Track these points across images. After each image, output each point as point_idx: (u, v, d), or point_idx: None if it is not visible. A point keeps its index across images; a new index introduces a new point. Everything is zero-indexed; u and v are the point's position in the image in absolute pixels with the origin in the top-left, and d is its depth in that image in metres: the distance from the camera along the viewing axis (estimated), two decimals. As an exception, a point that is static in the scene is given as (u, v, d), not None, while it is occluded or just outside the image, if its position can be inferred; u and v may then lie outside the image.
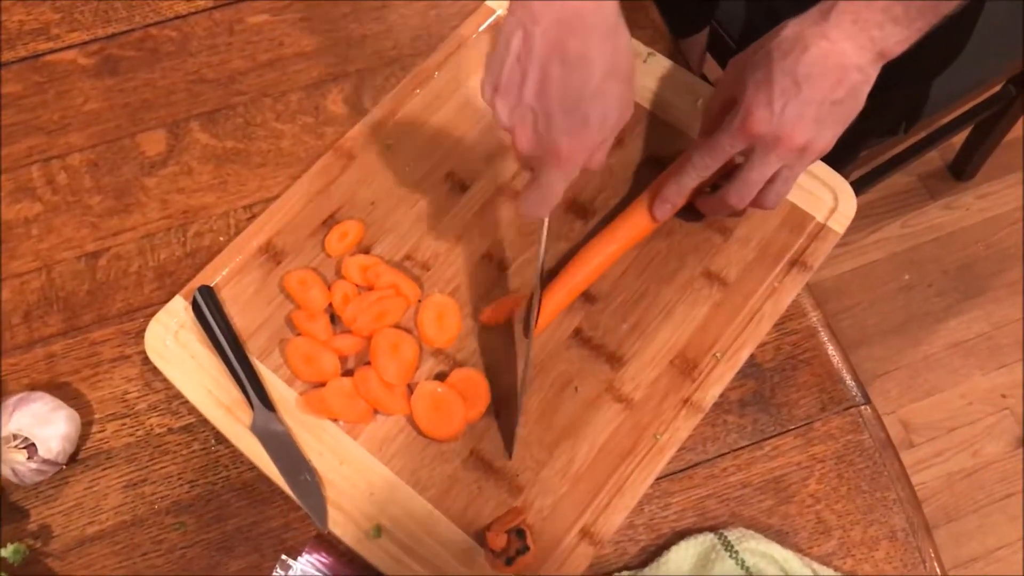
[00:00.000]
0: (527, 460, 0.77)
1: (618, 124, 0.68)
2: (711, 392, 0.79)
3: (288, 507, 0.77)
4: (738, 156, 0.76)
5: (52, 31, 0.99)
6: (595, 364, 0.80)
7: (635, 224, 0.83)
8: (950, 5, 0.71)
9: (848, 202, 0.86)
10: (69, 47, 0.98)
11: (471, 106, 0.91)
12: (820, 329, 0.84)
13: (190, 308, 0.81)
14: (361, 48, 0.98)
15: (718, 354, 0.80)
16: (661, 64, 0.93)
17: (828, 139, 0.74)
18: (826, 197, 0.86)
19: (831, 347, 0.83)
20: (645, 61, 0.93)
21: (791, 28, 0.73)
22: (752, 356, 0.82)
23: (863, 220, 1.85)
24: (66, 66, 0.97)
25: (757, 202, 0.78)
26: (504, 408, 0.79)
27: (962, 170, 1.88)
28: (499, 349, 0.81)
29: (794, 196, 0.86)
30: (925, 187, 1.91)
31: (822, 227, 0.85)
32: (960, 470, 1.68)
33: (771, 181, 0.76)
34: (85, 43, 0.98)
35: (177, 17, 1.00)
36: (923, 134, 1.57)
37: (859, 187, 1.82)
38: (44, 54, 0.98)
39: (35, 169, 0.92)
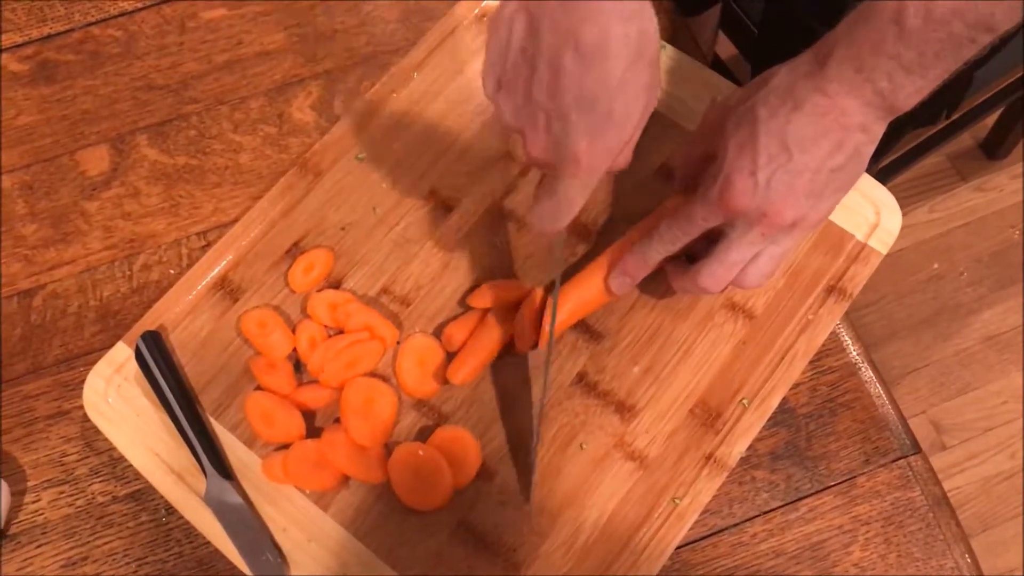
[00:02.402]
0: (525, 532, 0.66)
1: (644, 116, 0.57)
2: (738, 446, 0.68)
3: (248, 589, 0.67)
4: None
5: (-23, 32, 0.87)
6: (603, 415, 0.69)
7: (591, 290, 0.70)
8: (972, 48, 0.57)
9: (892, 217, 0.75)
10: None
11: (456, 111, 0.80)
12: (861, 365, 0.73)
13: (134, 357, 0.71)
14: (331, 45, 0.86)
15: (745, 401, 0.69)
16: (674, 58, 0.81)
17: (823, 211, 0.62)
18: (867, 211, 0.75)
19: (875, 387, 0.72)
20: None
21: (781, 78, 0.61)
22: (784, 400, 0.71)
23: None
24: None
25: (736, 282, 0.65)
26: (518, 446, 0.69)
27: (995, 149, 1.75)
28: (507, 381, 0.71)
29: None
30: (955, 168, 1.79)
31: (863, 247, 0.74)
32: (997, 474, 1.57)
33: (754, 259, 0.64)
34: (17, 46, 0.87)
35: (122, 14, 0.88)
36: (955, 115, 1.44)
37: (885, 176, 1.69)
38: (-29, 60, 0.86)
39: (-40, 194, 0.81)
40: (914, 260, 1.73)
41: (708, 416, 0.69)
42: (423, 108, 0.80)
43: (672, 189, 0.71)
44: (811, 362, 0.72)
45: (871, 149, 0.62)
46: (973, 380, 1.64)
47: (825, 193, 0.62)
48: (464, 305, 0.72)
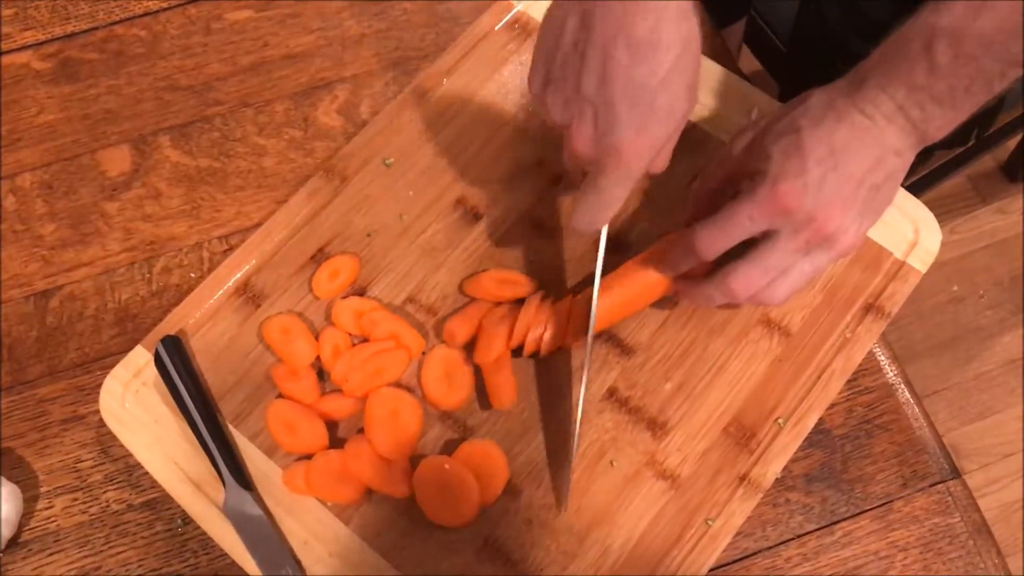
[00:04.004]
0: (553, 552, 0.64)
1: (686, 116, 0.59)
2: (773, 466, 0.66)
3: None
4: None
5: (3, 29, 0.86)
6: (634, 432, 0.67)
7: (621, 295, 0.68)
8: (1002, 83, 0.57)
9: (931, 235, 0.73)
10: (21, 48, 0.85)
11: (486, 118, 0.78)
12: (899, 387, 0.71)
13: (153, 361, 0.69)
14: (358, 49, 0.85)
15: (781, 420, 0.67)
16: (708, 68, 0.79)
17: (858, 233, 0.61)
18: (905, 229, 0.73)
19: (912, 408, 0.70)
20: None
21: (819, 96, 0.61)
22: (820, 421, 0.69)
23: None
24: (17, 70, 0.84)
25: (762, 296, 0.63)
26: (550, 457, 0.67)
27: (1016, 171, 1.73)
28: (536, 393, 0.69)
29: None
30: (975, 189, 1.77)
31: (901, 265, 0.72)
32: (1016, 500, 1.55)
33: (784, 274, 0.62)
34: (40, 44, 0.85)
35: (147, 14, 0.86)
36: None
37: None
38: (-7, 56, 0.85)
39: (-21, 192, 0.79)
40: (934, 282, 1.71)
41: (742, 435, 0.67)
42: (453, 114, 0.79)
43: (684, 217, 0.69)
44: (847, 382, 0.70)
45: (902, 176, 0.62)
46: (993, 405, 1.61)
47: (864, 211, 0.61)
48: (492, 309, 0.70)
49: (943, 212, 1.75)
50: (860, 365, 0.70)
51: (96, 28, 0.86)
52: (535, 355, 0.69)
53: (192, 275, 0.75)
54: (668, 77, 0.55)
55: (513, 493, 0.66)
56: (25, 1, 0.87)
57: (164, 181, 0.79)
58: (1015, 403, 1.61)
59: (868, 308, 0.70)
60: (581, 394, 0.65)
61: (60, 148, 0.81)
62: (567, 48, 0.56)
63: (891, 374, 0.71)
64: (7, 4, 0.87)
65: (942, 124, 0.60)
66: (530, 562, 0.64)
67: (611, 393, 0.68)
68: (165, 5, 0.87)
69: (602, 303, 0.66)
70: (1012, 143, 1.70)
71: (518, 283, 0.70)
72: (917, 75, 0.58)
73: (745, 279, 0.61)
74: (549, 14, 0.58)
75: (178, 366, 0.68)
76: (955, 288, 1.71)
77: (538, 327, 0.67)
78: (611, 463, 0.66)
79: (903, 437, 0.69)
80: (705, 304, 0.66)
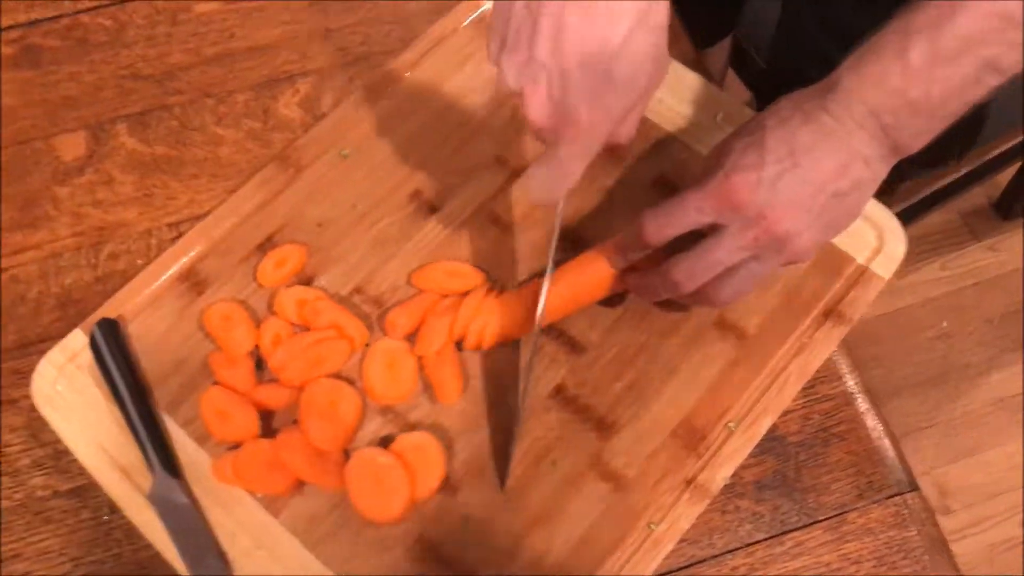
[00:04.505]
0: (489, 552, 0.61)
1: (649, 87, 0.56)
2: (722, 471, 0.63)
3: (190, 597, 0.62)
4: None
5: (-34, 15, 0.85)
6: (579, 431, 0.65)
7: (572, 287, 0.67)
8: (978, 90, 0.56)
9: (896, 242, 0.71)
10: (-14, 34, 0.84)
11: (448, 113, 0.77)
12: (858, 396, 0.68)
13: (89, 344, 0.67)
14: (324, 43, 0.84)
15: (732, 424, 0.65)
16: (676, 71, 0.78)
17: (813, 239, 0.59)
18: (869, 235, 0.71)
19: (871, 418, 0.68)
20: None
21: (789, 98, 0.60)
22: (774, 427, 0.66)
23: (897, 260, 1.69)
24: (-19, 55, 0.83)
25: (706, 293, 0.61)
26: (498, 450, 0.64)
27: (1009, 208, 1.71)
28: (481, 389, 0.67)
29: (830, 231, 0.70)
30: (967, 225, 1.75)
31: (863, 271, 0.70)
32: (1003, 540, 1.50)
33: (731, 272, 0.60)
34: (4, 29, 0.84)
35: (113, 3, 0.86)
36: (969, 167, 1.41)
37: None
38: (-45, 41, 0.84)
39: (-71, 173, 0.78)
40: (922, 317, 1.68)
41: (692, 438, 0.64)
42: (413, 109, 0.77)
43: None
44: (804, 389, 0.67)
45: (872, 189, 0.61)
46: (980, 443, 1.58)
47: (822, 218, 0.59)
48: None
49: (934, 247, 1.73)
50: (818, 372, 0.68)
51: (62, 16, 0.85)
52: (480, 349, 0.67)
53: (139, 262, 0.74)
54: (625, 45, 0.53)
55: (450, 490, 0.63)
56: (-9, -13, 0.86)
57: (118, 168, 0.78)
58: (1003, 442, 1.57)
59: (828, 313, 0.68)
60: (522, 389, 0.63)
61: (16, 132, 0.80)
62: (520, 10, 0.54)
63: (850, 382, 0.69)
64: (-28, -10, 0.86)
65: (916, 133, 0.58)
66: (465, 562, 0.61)
67: (558, 391, 0.66)
68: (133, -5, 0.86)
69: (550, 296, 0.64)
70: (1003, 179, 1.68)
71: (467, 276, 0.69)
72: (891, 78, 0.56)
73: (687, 271, 0.59)
74: None
75: (113, 350, 0.66)
76: (945, 324, 1.68)
77: (480, 319, 0.65)
78: (553, 463, 0.64)
79: (860, 447, 0.66)
80: (650, 297, 0.64)
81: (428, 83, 0.78)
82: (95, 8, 0.85)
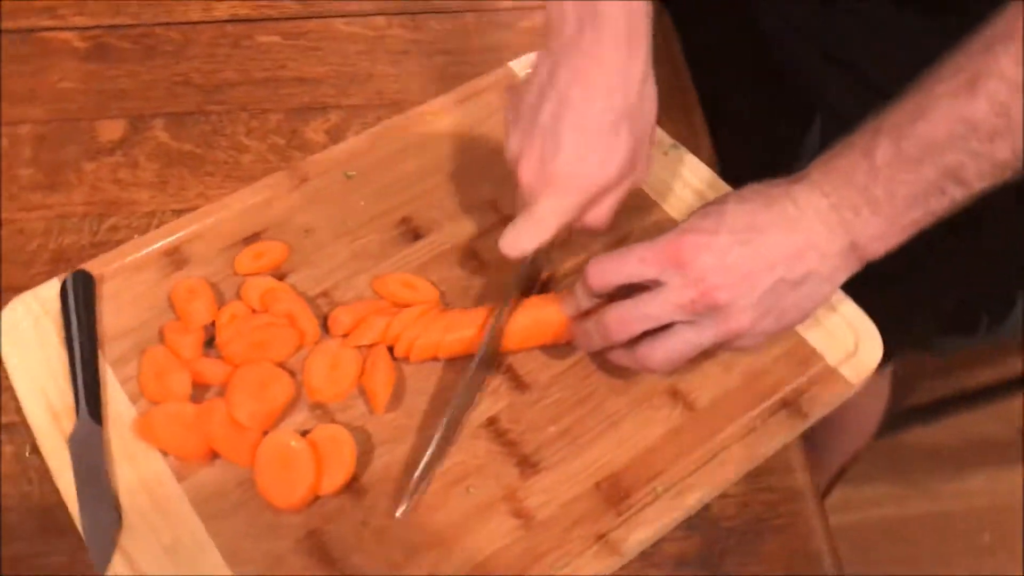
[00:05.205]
0: (377, 561, 0.59)
1: (621, 175, 0.62)
2: (636, 533, 0.60)
3: (81, 544, 0.61)
4: None
5: (59, 11, 0.93)
6: (502, 464, 0.63)
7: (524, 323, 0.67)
8: (943, 201, 0.56)
9: (871, 350, 0.68)
10: (69, 29, 0.92)
11: (458, 157, 0.80)
12: (806, 494, 0.64)
13: (59, 292, 0.69)
14: (364, 85, 0.88)
15: (660, 488, 0.62)
16: (683, 158, 0.79)
17: (756, 322, 0.59)
18: (845, 338, 0.69)
19: (817, 519, 0.64)
20: (666, 153, 0.80)
21: (756, 184, 0.62)
22: (708, 507, 0.63)
23: (941, 463, 1.61)
24: (58, 45, 0.91)
25: (640, 353, 0.60)
26: (415, 465, 0.62)
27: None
28: (420, 406, 0.66)
29: (805, 328, 0.68)
30: (1024, 441, 1.66)
31: (831, 372, 0.67)
32: None
33: (666, 334, 0.59)
34: (86, 28, 0.92)
35: (187, 23, 0.93)
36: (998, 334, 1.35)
37: (930, 416, 1.60)
38: (41, 30, 0.92)
39: (-22, 131, 0.84)
40: (965, 526, 1.58)
41: (615, 494, 0.62)
42: (425, 147, 0.80)
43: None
44: (750, 476, 0.64)
45: (827, 288, 0.61)
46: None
47: (768, 302, 0.59)
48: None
49: (982, 457, 1.64)
50: (769, 463, 0.65)
51: (139, 25, 0.93)
52: (408, 359, 0.66)
53: (136, 236, 0.77)
54: (612, 129, 0.60)
55: (357, 492, 0.62)
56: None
57: (144, 155, 0.83)
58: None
59: (785, 403, 0.66)
60: (449, 415, 0.62)
61: (65, 110, 0.86)
62: (535, 92, 0.62)
63: (801, 480, 0.65)
64: (71, -8, 0.95)
65: (876, 235, 0.58)
66: (350, 565, 0.59)
67: (491, 422, 0.65)
68: (207, 19, 0.93)
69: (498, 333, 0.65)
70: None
71: (421, 290, 0.69)
72: (857, 175, 0.57)
73: (619, 318, 0.59)
74: (533, 65, 0.64)
75: (78, 299, 0.68)
76: (986, 537, 1.58)
77: (415, 328, 0.65)
78: (468, 489, 0.62)
79: (798, 544, 0.62)
80: (586, 344, 0.64)
81: (445, 130, 0.82)
82: (169, 23, 0.93)
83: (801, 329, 0.68)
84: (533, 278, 0.69)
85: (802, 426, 0.65)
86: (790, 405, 0.66)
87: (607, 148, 0.61)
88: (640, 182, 0.67)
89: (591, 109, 0.60)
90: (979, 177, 0.55)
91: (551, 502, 0.61)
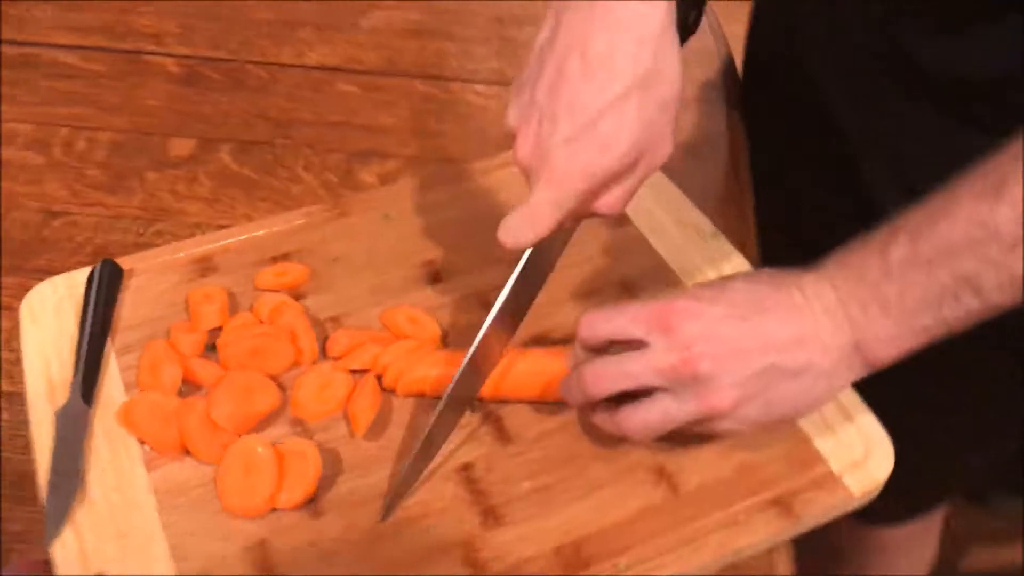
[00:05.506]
0: (317, 583, 0.57)
1: (628, 159, 0.55)
2: (588, 607, 0.57)
3: (40, 517, 0.61)
4: None
5: (164, 39, 1.01)
6: (466, 511, 0.61)
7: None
8: (956, 308, 0.53)
9: (881, 464, 0.64)
10: (170, 55, 0.99)
11: (495, 213, 0.79)
12: (785, 605, 0.60)
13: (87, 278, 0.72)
14: (425, 140, 0.91)
15: (622, 565, 0.58)
16: (723, 248, 0.77)
17: (735, 402, 0.55)
18: (855, 447, 0.65)
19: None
20: (705, 240, 0.78)
21: (767, 269, 0.60)
22: (673, 598, 0.59)
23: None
24: (156, 68, 0.98)
25: (619, 418, 0.57)
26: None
27: None
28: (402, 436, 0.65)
29: (812, 427, 0.65)
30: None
31: (834, 479, 0.63)
32: None
33: (647, 402, 0.56)
34: (184, 56, 0.99)
35: (277, 64, 0.99)
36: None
37: None
38: (146, 53, 0.99)
39: (64, 131, 0.90)
40: None
41: (574, 562, 0.58)
42: (467, 201, 0.81)
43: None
44: (731, 568, 0.60)
45: (826, 387, 0.57)
46: None
47: (757, 387, 0.56)
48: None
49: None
50: (751, 564, 0.61)
51: (233, 60, 0.99)
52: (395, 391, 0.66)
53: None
54: (617, 104, 0.53)
55: (315, 512, 0.60)
56: (194, 24, 1.01)
57: (205, 174, 0.87)
58: None
59: (777, 501, 0.62)
60: (416, 450, 0.61)
61: (145, 124, 0.91)
62: (535, 56, 0.56)
63: (782, 590, 0.61)
64: (179, 23, 1.02)
65: (884, 338, 0.55)
66: (289, 582, 0.57)
67: (466, 467, 0.63)
68: (296, 63, 0.98)
69: (490, 373, 0.63)
70: None
71: (424, 326, 0.69)
72: (869, 271, 0.55)
73: (596, 372, 0.57)
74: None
75: (101, 286, 0.71)
76: None
77: (404, 360, 0.64)
78: (425, 529, 0.60)
79: (762, 655, 0.58)
80: (565, 396, 0.61)
81: (489, 187, 0.82)
82: (260, 62, 0.98)
83: (807, 429, 0.65)
84: (534, 284, 0.65)
85: (791, 529, 0.61)
86: (781, 504, 0.62)
87: (608, 130, 0.53)
88: (660, 159, 0.57)
89: (591, 83, 0.53)
90: (997, 289, 0.52)
91: (506, 557, 0.58)
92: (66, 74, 0.95)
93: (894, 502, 0.66)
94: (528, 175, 0.57)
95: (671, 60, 0.54)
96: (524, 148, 0.56)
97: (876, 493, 0.64)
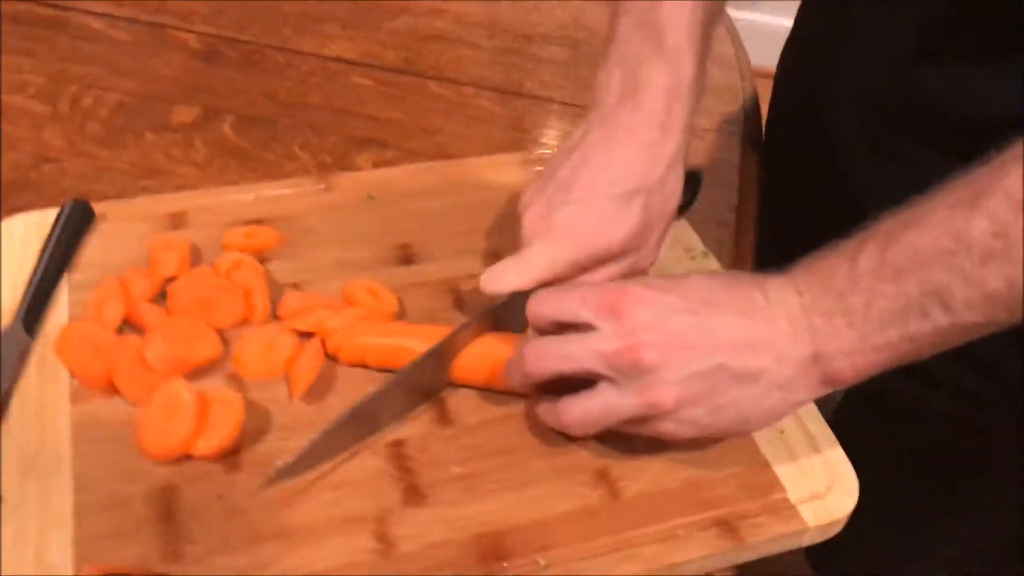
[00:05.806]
0: (215, 536, 0.54)
1: (623, 246, 0.60)
2: (497, 600, 0.52)
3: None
4: None
5: (192, 19, 1.02)
6: (388, 486, 0.57)
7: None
8: (923, 324, 0.50)
9: (843, 500, 0.59)
10: (193, 32, 1.00)
11: (478, 207, 0.78)
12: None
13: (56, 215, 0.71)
14: (429, 136, 0.90)
15: (542, 561, 0.54)
16: (711, 266, 0.74)
17: (677, 400, 0.52)
18: (817, 478, 0.60)
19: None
20: (694, 258, 0.75)
21: (734, 270, 0.62)
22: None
23: None
24: (177, 42, 0.98)
25: (560, 409, 0.55)
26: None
27: None
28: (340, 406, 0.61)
29: (773, 453, 0.61)
30: None
31: (789, 508, 0.59)
32: None
33: (587, 393, 0.54)
34: (207, 34, 0.99)
35: (296, 51, 0.99)
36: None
37: None
38: (170, 28, 1.00)
39: (74, 87, 0.91)
40: None
41: (492, 551, 0.55)
42: (458, 194, 0.79)
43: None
44: (661, 584, 0.56)
45: (778, 399, 0.54)
46: None
47: (703, 388, 0.53)
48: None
49: None
50: (688, 583, 0.56)
51: (252, 43, 0.99)
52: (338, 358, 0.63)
53: (157, 199, 0.79)
54: (627, 197, 0.59)
55: (231, 466, 0.57)
56: (224, 7, 1.02)
57: (203, 141, 0.86)
58: None
59: (721, 521, 0.57)
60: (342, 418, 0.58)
61: (155, 90, 0.91)
62: (563, 151, 0.62)
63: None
64: (208, 5, 1.03)
65: (845, 349, 0.52)
66: (186, 531, 0.54)
67: (397, 443, 0.60)
68: (315, 52, 0.99)
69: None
70: None
71: (384, 300, 0.66)
72: (836, 278, 0.52)
73: (537, 352, 0.55)
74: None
75: (68, 223, 0.70)
76: None
77: (351, 327, 0.62)
78: (340, 499, 0.56)
79: None
80: (507, 377, 0.58)
81: (480, 181, 0.81)
82: (280, 48, 0.99)
83: (768, 453, 0.61)
84: (494, 323, 0.65)
85: (734, 553, 0.57)
86: (725, 525, 0.57)
87: (614, 214, 0.60)
88: (646, 264, 0.64)
89: (607, 174, 0.60)
90: (967, 305, 0.49)
91: (420, 537, 0.55)
92: (90, 38, 0.97)
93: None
94: (529, 238, 0.60)
95: (674, 185, 0.62)
96: (534, 212, 0.60)
97: (834, 530, 0.59)
